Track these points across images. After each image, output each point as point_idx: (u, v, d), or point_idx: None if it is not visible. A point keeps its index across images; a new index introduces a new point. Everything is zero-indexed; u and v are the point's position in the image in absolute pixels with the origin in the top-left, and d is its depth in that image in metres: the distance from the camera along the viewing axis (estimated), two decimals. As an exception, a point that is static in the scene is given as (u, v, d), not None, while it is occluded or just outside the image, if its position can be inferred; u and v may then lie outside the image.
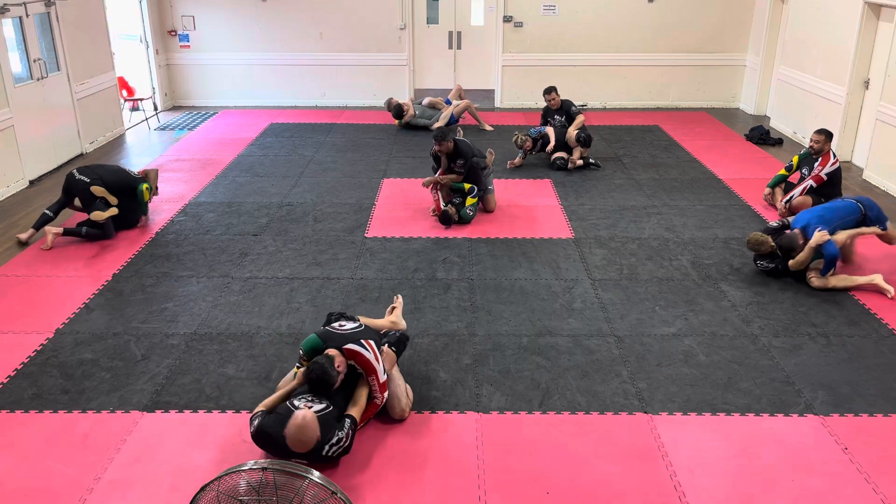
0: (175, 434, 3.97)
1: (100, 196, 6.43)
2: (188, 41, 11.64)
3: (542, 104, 11.66)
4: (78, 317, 5.19)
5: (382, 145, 9.61)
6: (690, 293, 5.55)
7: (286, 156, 9.11)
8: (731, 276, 5.81)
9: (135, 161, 9.00)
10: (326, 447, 3.57)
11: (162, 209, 7.24)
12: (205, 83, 11.92)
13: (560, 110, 8.92)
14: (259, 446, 3.69)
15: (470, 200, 6.93)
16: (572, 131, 8.62)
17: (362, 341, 3.92)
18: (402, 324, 4.59)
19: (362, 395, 3.89)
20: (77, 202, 6.59)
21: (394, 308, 4.70)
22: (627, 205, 7.39)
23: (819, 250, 5.50)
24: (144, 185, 6.70)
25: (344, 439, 3.63)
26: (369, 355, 3.88)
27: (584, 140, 8.50)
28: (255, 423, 3.66)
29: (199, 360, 4.67)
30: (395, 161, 8.92)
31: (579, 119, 8.80)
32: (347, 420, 3.73)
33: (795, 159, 7.18)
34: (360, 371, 3.93)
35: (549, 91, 8.89)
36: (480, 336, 4.94)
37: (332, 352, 3.83)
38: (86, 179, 6.46)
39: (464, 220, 6.86)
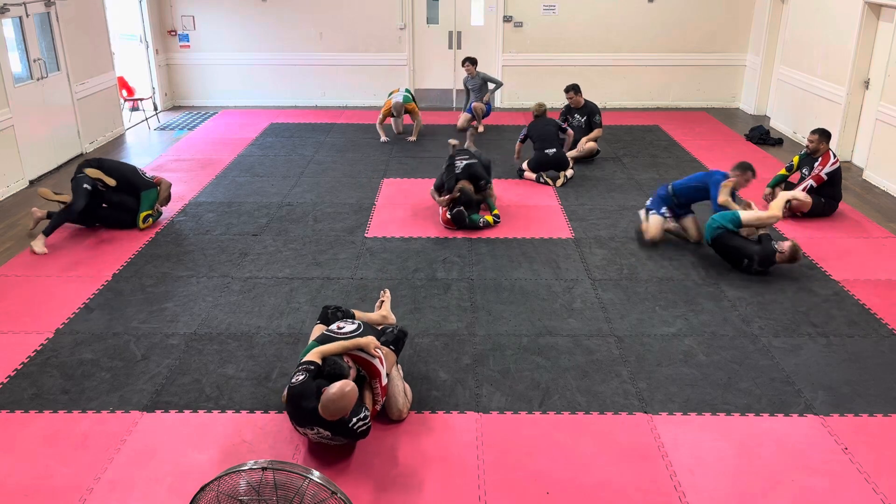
0: (175, 434, 3.97)
1: (95, 178, 6.45)
2: (188, 41, 11.64)
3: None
4: (78, 317, 5.19)
5: (382, 145, 9.60)
6: (690, 293, 5.55)
7: (286, 156, 9.11)
8: (731, 276, 5.81)
9: (135, 161, 8.98)
10: (354, 419, 3.60)
11: (162, 209, 7.23)
12: (205, 83, 11.92)
13: (582, 110, 8.91)
14: (287, 405, 3.73)
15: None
16: (586, 141, 8.64)
17: None
18: (392, 317, 4.62)
19: (367, 399, 3.90)
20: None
21: (382, 302, 4.70)
22: (627, 205, 7.39)
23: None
24: (142, 214, 6.66)
25: (369, 418, 3.68)
26: (373, 359, 3.89)
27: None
28: (300, 378, 3.67)
29: (199, 360, 4.67)
30: (395, 161, 8.91)
31: (597, 132, 8.82)
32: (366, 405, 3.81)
33: (796, 159, 7.19)
34: (362, 374, 3.94)
35: (569, 90, 8.89)
36: (480, 336, 4.94)
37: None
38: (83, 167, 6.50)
39: (474, 224, 6.76)
